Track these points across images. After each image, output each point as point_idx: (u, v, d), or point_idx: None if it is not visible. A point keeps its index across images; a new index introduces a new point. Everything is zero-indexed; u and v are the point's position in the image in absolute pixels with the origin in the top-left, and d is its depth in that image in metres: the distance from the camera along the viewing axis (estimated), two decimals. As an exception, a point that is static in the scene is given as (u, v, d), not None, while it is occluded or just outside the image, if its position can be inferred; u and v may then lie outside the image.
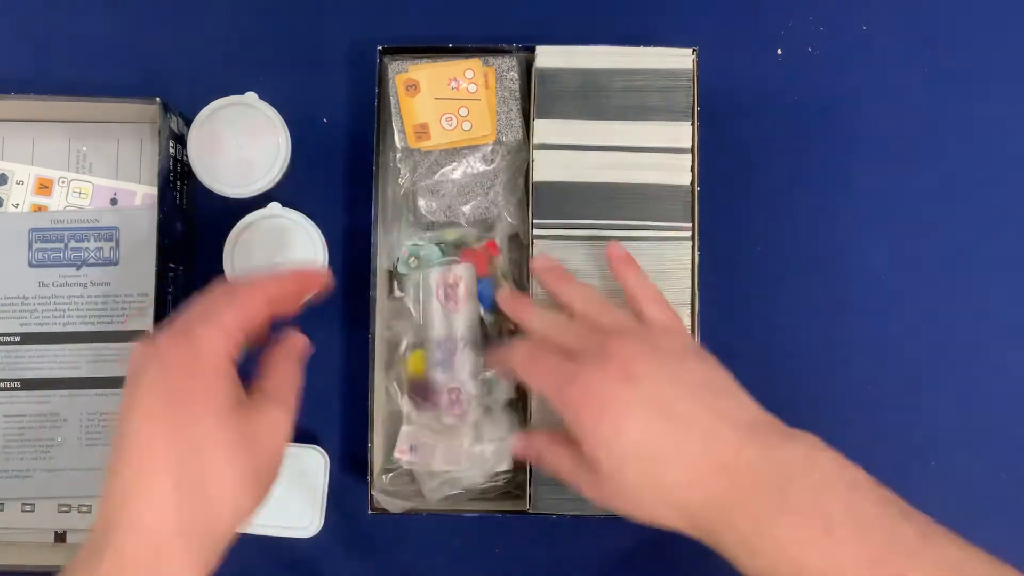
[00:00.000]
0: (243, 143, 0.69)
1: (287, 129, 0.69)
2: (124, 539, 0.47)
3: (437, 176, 0.68)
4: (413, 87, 0.67)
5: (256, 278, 0.55)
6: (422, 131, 0.67)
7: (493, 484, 0.68)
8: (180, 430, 0.48)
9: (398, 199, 0.70)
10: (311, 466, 0.69)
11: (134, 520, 0.47)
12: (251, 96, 0.69)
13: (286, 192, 0.71)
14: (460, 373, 0.67)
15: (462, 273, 0.67)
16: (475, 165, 0.68)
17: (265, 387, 0.54)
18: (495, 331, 0.68)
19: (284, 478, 0.66)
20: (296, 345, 0.57)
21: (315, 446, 0.70)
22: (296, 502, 0.68)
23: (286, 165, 0.69)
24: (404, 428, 0.68)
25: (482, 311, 0.68)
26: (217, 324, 0.51)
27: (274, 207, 0.69)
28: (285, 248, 0.69)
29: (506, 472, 0.68)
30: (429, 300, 0.68)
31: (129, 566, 0.46)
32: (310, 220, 0.69)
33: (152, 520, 0.47)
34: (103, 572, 0.46)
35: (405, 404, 0.68)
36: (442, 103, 0.67)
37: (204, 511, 0.48)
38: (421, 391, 0.67)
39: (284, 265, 0.63)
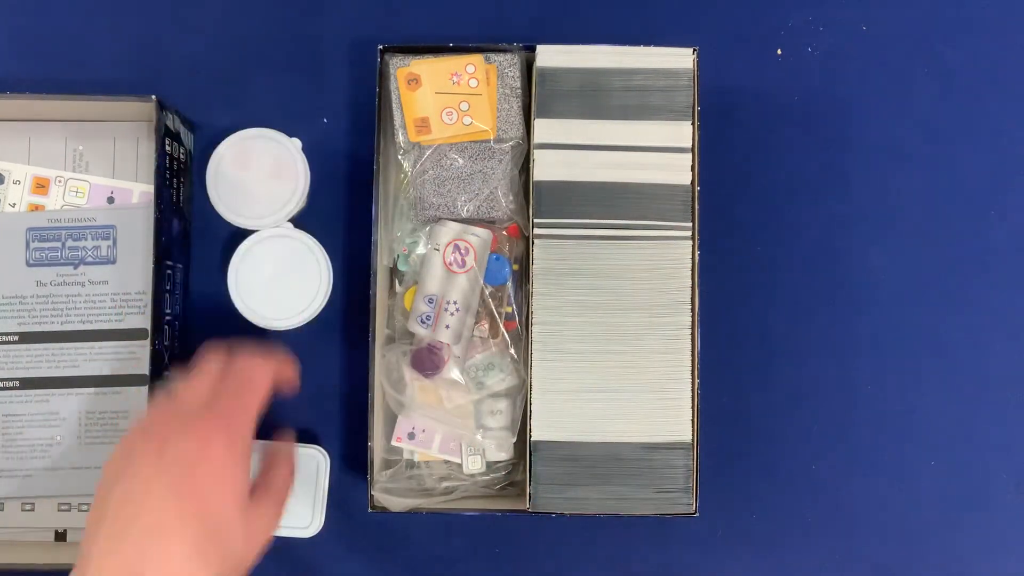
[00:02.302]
0: (263, 177, 0.73)
1: (307, 165, 0.73)
2: None
3: (438, 171, 0.70)
4: (414, 81, 0.69)
5: (262, 361, 0.63)
6: (423, 125, 0.69)
7: (494, 475, 0.70)
8: (206, 508, 0.54)
9: (399, 197, 0.72)
10: (311, 466, 0.71)
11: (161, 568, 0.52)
12: (280, 134, 0.73)
13: (285, 191, 0.74)
14: (441, 333, 0.69)
15: (475, 243, 0.70)
16: (476, 160, 0.70)
17: (267, 482, 0.62)
18: (494, 304, 0.71)
19: None
20: (292, 454, 0.66)
21: (316, 446, 0.72)
22: (297, 502, 0.70)
23: (303, 201, 0.73)
24: (402, 415, 0.70)
25: (483, 282, 0.70)
26: (251, 417, 0.59)
27: (284, 226, 0.72)
28: (290, 267, 0.72)
29: (506, 462, 0.71)
30: (432, 253, 0.70)
31: None
32: (316, 241, 0.72)
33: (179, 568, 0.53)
34: None
35: (407, 374, 0.70)
36: (443, 97, 0.69)
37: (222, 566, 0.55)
38: (420, 362, 0.69)
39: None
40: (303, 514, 0.70)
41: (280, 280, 0.72)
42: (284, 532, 0.70)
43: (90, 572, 0.52)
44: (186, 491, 0.54)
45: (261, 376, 0.62)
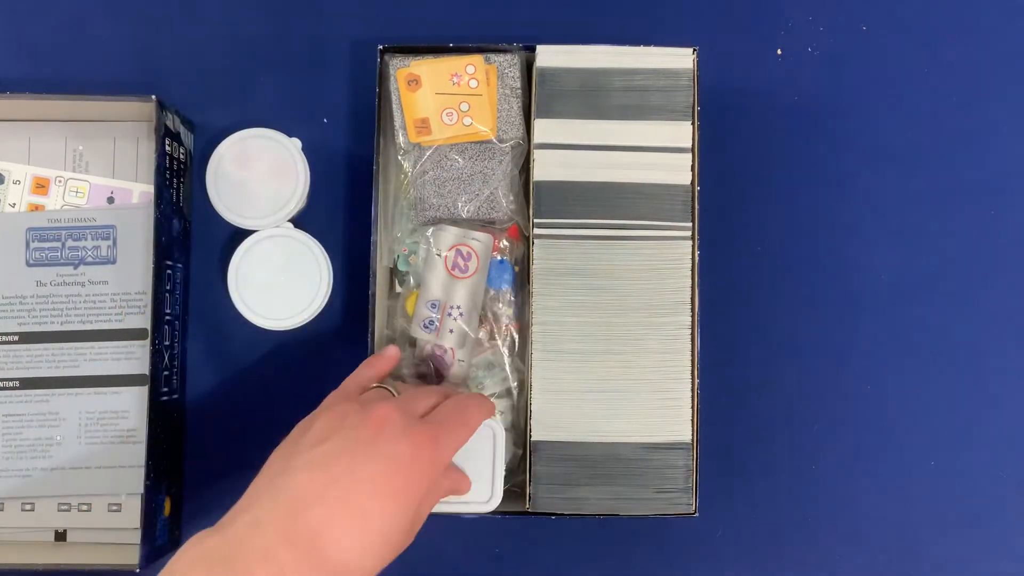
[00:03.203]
0: (263, 177, 0.74)
1: (307, 165, 0.74)
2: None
3: (438, 171, 0.71)
4: (414, 82, 0.70)
5: (483, 403, 0.66)
6: (423, 126, 0.70)
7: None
8: (395, 513, 0.56)
9: (399, 197, 0.72)
10: (487, 436, 0.68)
11: (327, 565, 0.53)
12: (280, 134, 0.74)
13: (285, 191, 0.74)
14: (445, 338, 0.70)
15: (477, 248, 0.70)
16: (476, 161, 0.71)
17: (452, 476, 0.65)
18: (497, 307, 0.71)
19: (459, 452, 0.66)
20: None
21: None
22: (476, 477, 0.67)
23: (303, 201, 0.74)
24: None
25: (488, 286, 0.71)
26: (457, 448, 0.62)
27: (284, 226, 0.73)
28: (290, 267, 0.73)
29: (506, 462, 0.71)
30: (434, 258, 0.70)
31: None
32: (316, 241, 0.73)
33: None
34: None
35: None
36: (443, 98, 0.70)
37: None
38: (426, 368, 0.70)
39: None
40: (483, 489, 0.67)
41: (280, 280, 0.73)
42: (465, 508, 0.68)
43: (265, 526, 0.53)
44: (385, 491, 0.55)
45: (478, 415, 0.64)
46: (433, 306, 0.70)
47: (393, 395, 0.63)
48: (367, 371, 0.66)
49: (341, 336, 0.76)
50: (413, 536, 0.59)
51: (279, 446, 0.59)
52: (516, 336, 0.72)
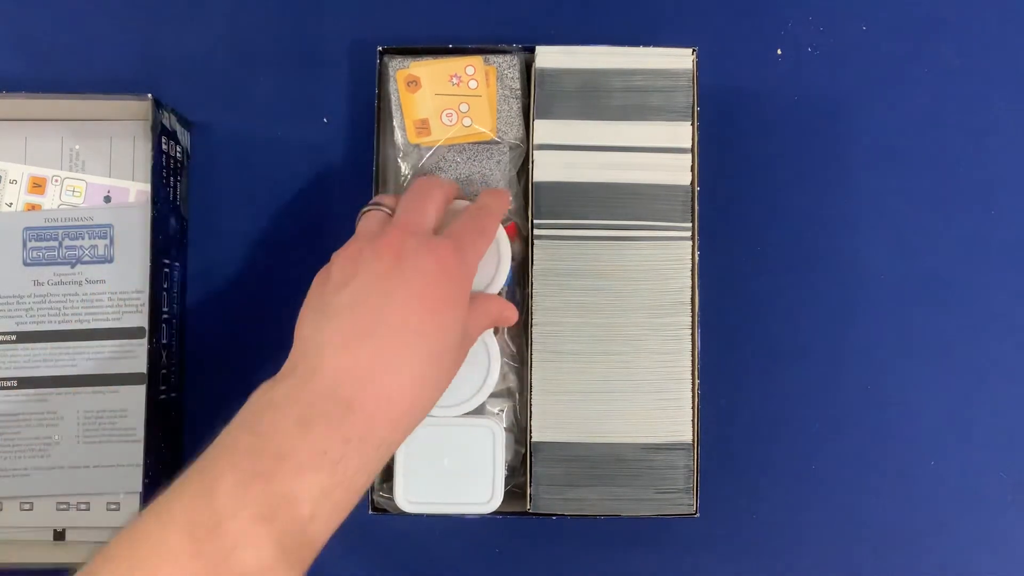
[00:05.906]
0: None
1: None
2: (375, 407, 0.54)
3: (437, 172, 0.72)
4: (414, 83, 0.72)
5: (501, 191, 0.68)
6: (422, 127, 0.72)
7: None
8: (440, 328, 0.57)
9: (398, 198, 0.74)
10: (487, 439, 0.70)
11: (392, 394, 0.55)
12: None
13: (283, 189, 0.76)
14: None
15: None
16: (475, 162, 0.72)
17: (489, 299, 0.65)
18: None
19: (459, 453, 0.69)
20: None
21: (487, 418, 0.70)
22: (477, 477, 0.69)
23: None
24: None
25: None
26: (488, 241, 0.63)
27: None
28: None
29: (507, 463, 0.72)
30: None
31: (374, 426, 0.54)
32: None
33: (405, 397, 0.55)
34: (349, 432, 0.53)
35: None
36: (443, 99, 0.72)
37: (430, 401, 0.58)
38: None
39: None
40: (483, 490, 0.69)
41: None
42: (464, 509, 0.69)
43: (322, 369, 0.54)
44: (426, 305, 0.56)
45: (494, 221, 0.65)
46: None
47: (388, 214, 0.63)
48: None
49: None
50: (464, 357, 0.60)
51: (305, 303, 0.59)
52: (517, 333, 0.73)
